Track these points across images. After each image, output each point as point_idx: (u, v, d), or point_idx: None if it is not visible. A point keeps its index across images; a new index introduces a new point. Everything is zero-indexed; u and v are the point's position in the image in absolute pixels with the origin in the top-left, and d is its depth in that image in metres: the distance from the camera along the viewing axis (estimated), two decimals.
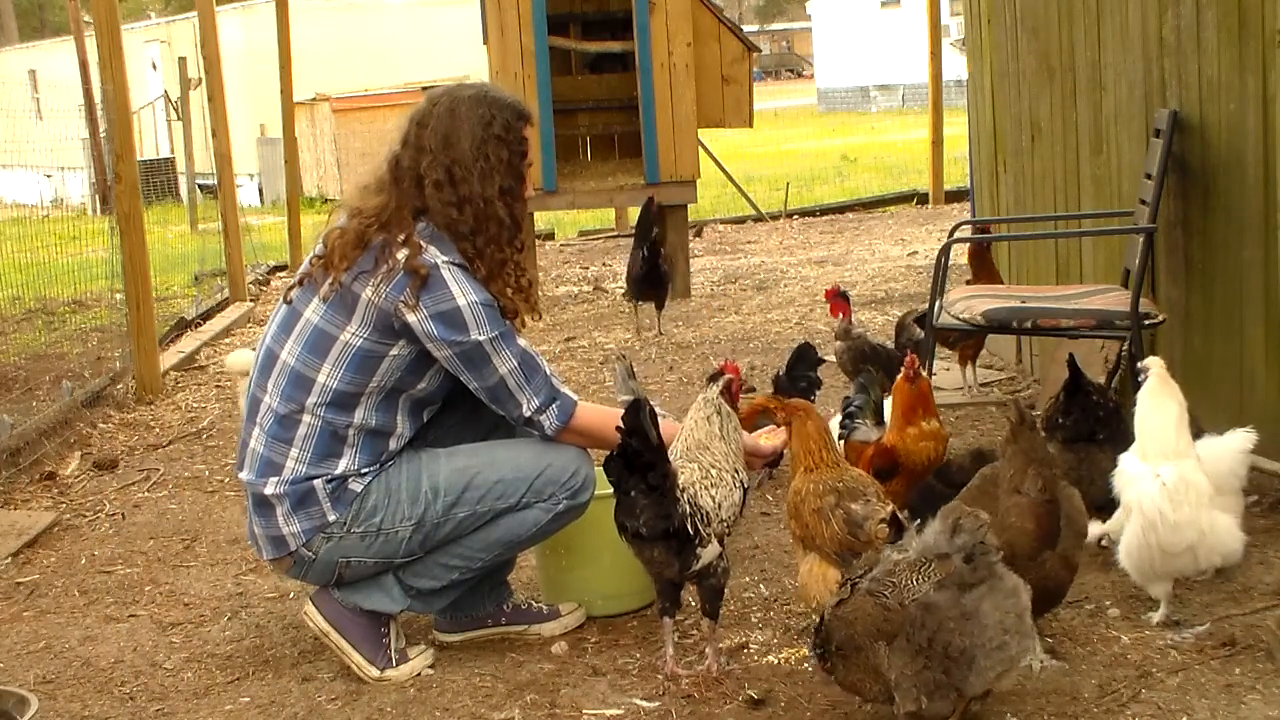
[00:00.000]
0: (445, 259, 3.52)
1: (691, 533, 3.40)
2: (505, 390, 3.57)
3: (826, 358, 6.40)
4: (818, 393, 5.27)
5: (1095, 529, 4.06)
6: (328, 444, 3.55)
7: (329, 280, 3.53)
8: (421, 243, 3.51)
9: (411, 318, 3.46)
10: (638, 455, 3.33)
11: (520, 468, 3.63)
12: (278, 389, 3.57)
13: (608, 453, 3.41)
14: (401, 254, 3.49)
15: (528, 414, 3.59)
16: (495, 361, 3.53)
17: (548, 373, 3.63)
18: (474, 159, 3.56)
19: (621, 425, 3.34)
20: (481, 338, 3.50)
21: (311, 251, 3.69)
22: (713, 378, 3.61)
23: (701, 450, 3.52)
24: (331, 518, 3.56)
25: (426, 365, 3.59)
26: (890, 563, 3.09)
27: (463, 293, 3.49)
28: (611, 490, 3.44)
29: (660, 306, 8.54)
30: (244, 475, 3.64)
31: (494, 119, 3.60)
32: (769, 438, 3.88)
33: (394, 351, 3.53)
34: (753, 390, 5.48)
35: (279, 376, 3.58)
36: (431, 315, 3.47)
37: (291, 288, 3.65)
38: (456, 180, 3.56)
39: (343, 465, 3.56)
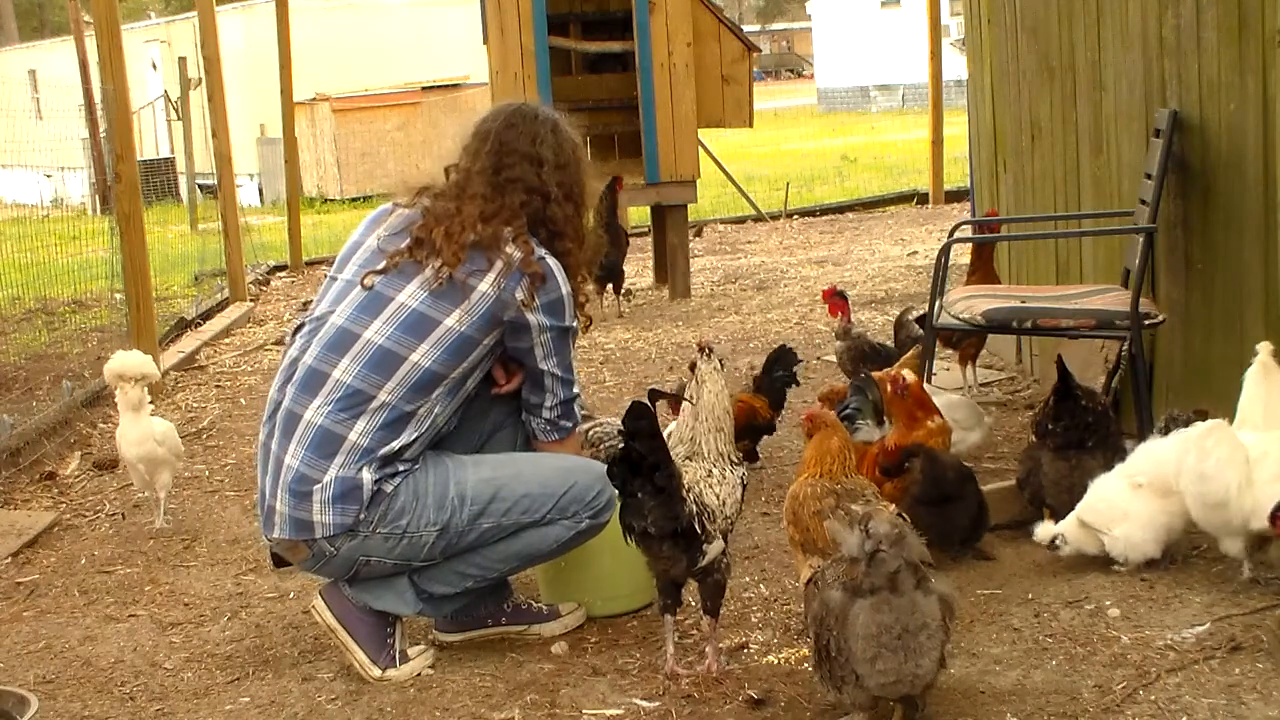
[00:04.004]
0: (544, 251, 3.71)
1: (699, 531, 3.43)
2: (573, 371, 3.79)
3: (827, 357, 6.40)
4: (790, 389, 5.44)
5: (1048, 529, 4.07)
6: (396, 422, 3.58)
7: (436, 271, 3.61)
8: (528, 240, 3.69)
9: (529, 314, 3.64)
10: (643, 457, 3.35)
11: (547, 483, 3.68)
12: (356, 364, 3.59)
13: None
14: (511, 249, 3.64)
15: (575, 393, 3.80)
16: (570, 344, 3.77)
17: None
18: (577, 176, 3.82)
19: (623, 428, 3.37)
20: (572, 325, 3.75)
21: (373, 240, 3.74)
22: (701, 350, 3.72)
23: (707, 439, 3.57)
24: (361, 517, 3.57)
25: (489, 357, 3.72)
26: (832, 559, 3.14)
27: (563, 282, 3.71)
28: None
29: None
30: (292, 449, 3.59)
31: (578, 142, 3.87)
32: None
33: (487, 341, 3.65)
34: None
35: (361, 353, 3.60)
36: (543, 305, 3.65)
37: (371, 274, 3.67)
38: (569, 197, 3.79)
39: (400, 441, 3.59)
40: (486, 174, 3.72)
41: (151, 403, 5.31)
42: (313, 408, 3.60)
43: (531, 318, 3.64)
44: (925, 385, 5.23)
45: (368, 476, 3.55)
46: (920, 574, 2.98)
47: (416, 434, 3.61)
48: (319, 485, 3.55)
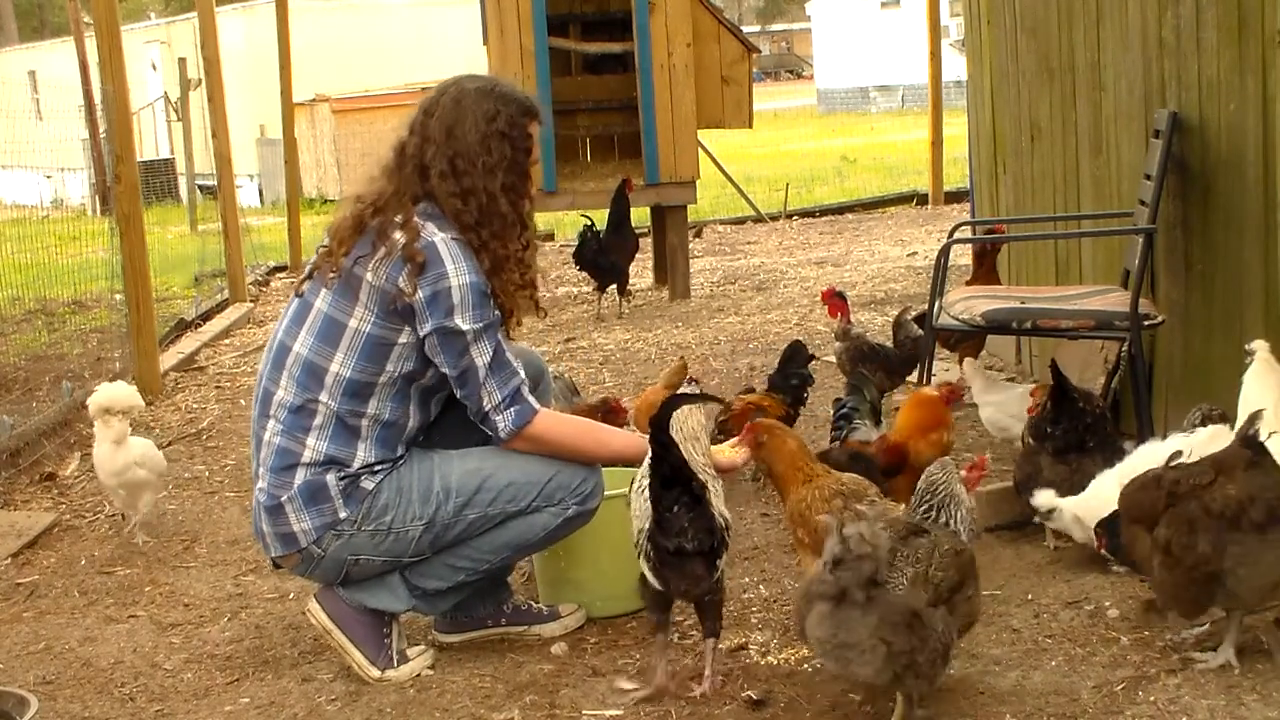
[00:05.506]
0: (444, 235, 3.54)
1: (727, 542, 3.38)
2: (476, 380, 3.54)
3: (826, 358, 6.40)
4: (810, 389, 5.38)
5: (1048, 499, 4.04)
6: (344, 434, 3.55)
7: (331, 267, 3.56)
8: (419, 222, 3.52)
9: (413, 304, 3.48)
10: (677, 470, 3.27)
11: (531, 472, 3.64)
12: (292, 380, 3.57)
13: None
14: (398, 234, 3.51)
15: (487, 408, 3.57)
16: (472, 350, 3.52)
17: (521, 378, 3.62)
18: (477, 153, 3.58)
19: (654, 443, 3.28)
20: (465, 325, 3.50)
21: (319, 244, 3.71)
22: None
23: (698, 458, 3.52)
24: (343, 515, 3.56)
25: (420, 353, 3.59)
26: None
27: (458, 271, 3.49)
28: (617, 492, 3.42)
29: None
30: (260, 472, 3.62)
31: (498, 114, 3.61)
32: (732, 452, 3.76)
33: (402, 339, 3.54)
34: (751, 390, 5.49)
35: (293, 368, 3.58)
36: (426, 296, 3.48)
37: (302, 281, 3.67)
38: (459, 172, 3.58)
39: (359, 459, 3.56)
40: (394, 155, 3.64)
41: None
42: (269, 429, 3.60)
43: (416, 308, 3.48)
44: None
45: (331, 477, 3.55)
46: (871, 590, 2.97)
47: (373, 443, 3.56)
48: (287, 499, 3.56)
